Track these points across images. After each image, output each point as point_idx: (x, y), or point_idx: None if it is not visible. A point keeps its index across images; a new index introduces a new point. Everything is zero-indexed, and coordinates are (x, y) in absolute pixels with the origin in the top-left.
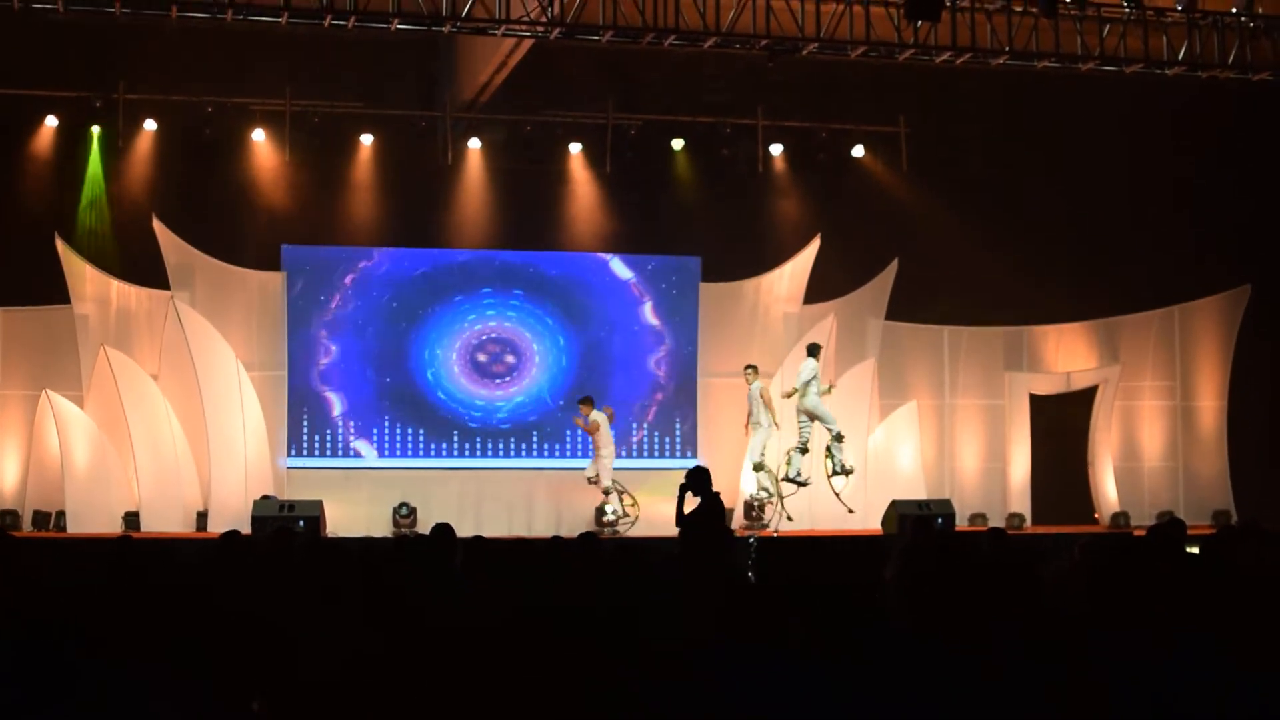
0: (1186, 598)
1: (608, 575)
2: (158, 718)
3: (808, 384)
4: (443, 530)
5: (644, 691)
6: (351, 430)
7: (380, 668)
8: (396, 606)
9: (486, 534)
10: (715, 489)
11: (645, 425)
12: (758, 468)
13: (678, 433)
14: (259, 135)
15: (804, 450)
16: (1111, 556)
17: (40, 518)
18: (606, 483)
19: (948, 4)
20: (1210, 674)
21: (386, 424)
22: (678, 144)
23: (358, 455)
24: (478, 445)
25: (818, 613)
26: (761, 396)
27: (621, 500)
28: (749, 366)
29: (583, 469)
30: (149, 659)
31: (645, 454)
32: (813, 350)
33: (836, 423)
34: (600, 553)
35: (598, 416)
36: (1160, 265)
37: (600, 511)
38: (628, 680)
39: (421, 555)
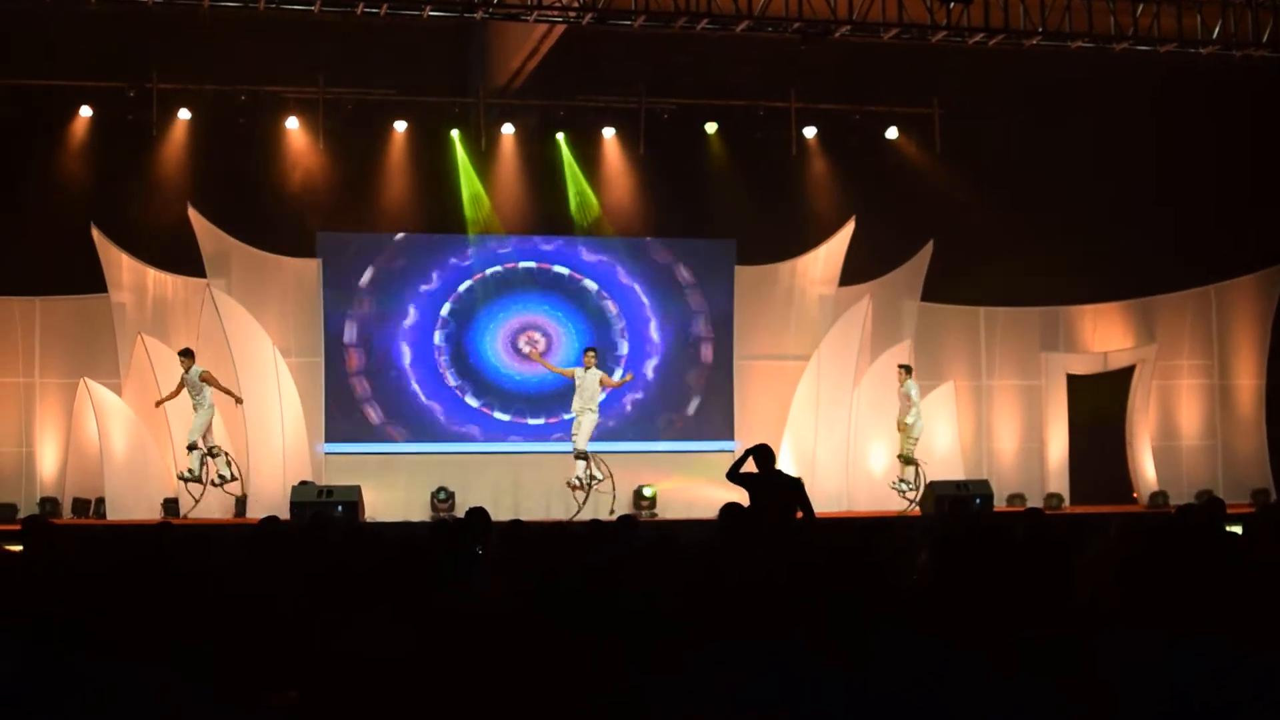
0: (1217, 587)
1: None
2: (167, 717)
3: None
4: (477, 514)
5: (642, 689)
6: (386, 415)
7: (398, 655)
8: (417, 593)
9: (525, 518)
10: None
11: (681, 409)
12: (909, 460)
13: (714, 416)
14: (292, 123)
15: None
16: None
17: (80, 505)
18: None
19: None
20: (1228, 674)
21: (423, 408)
22: (711, 127)
23: (394, 441)
24: (516, 430)
25: (826, 614)
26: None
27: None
28: (903, 366)
29: (622, 450)
30: (158, 659)
31: (682, 438)
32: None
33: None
34: (636, 537)
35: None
36: (1196, 244)
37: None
38: (622, 676)
39: (452, 539)
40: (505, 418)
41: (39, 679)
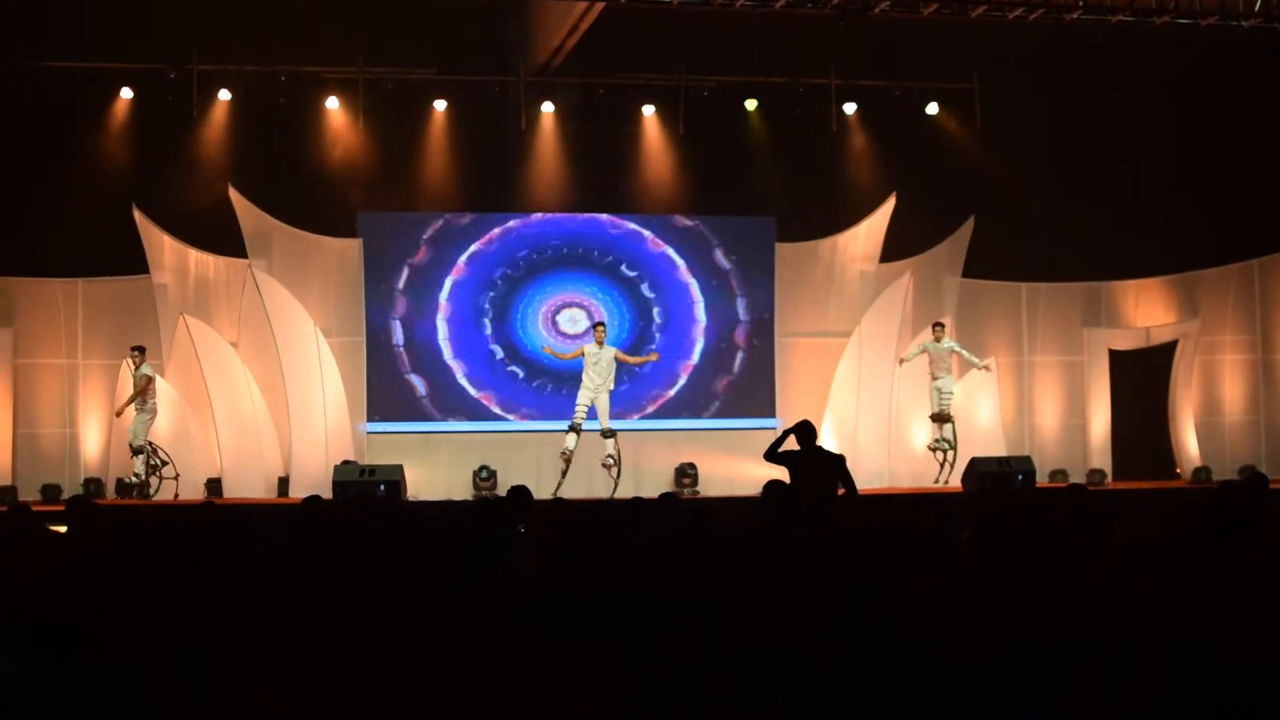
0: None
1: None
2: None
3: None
4: (519, 492)
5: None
6: (429, 393)
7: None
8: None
9: (566, 496)
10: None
11: (723, 387)
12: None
13: (756, 394)
14: (332, 103)
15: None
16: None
17: (123, 486)
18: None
19: None
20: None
21: (464, 387)
22: (751, 104)
23: (436, 420)
24: (559, 407)
25: (834, 613)
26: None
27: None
28: (939, 324)
29: (665, 428)
30: (157, 659)
31: (723, 415)
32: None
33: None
34: (677, 515)
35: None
36: (1239, 218)
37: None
38: (627, 674)
39: (494, 518)
40: (548, 395)
41: (39, 679)
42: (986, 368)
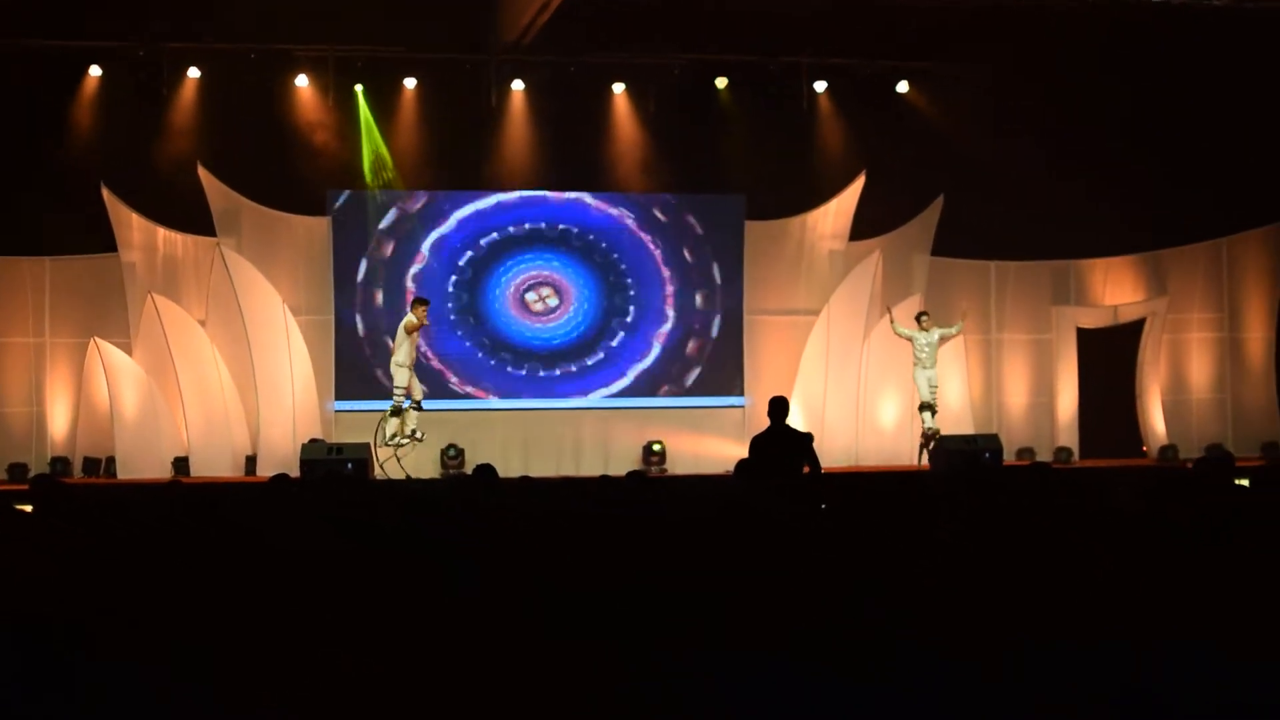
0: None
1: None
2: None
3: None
4: (484, 470)
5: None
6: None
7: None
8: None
9: (534, 474)
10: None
11: (691, 365)
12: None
13: (724, 372)
14: (302, 81)
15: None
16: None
17: (90, 464)
18: None
19: None
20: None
21: (432, 365)
22: (721, 83)
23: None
24: (525, 385)
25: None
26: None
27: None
28: (923, 314)
29: (632, 406)
30: (158, 659)
31: (691, 393)
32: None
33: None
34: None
35: None
36: (1207, 198)
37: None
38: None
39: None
40: (516, 373)
41: (39, 679)
42: (963, 315)
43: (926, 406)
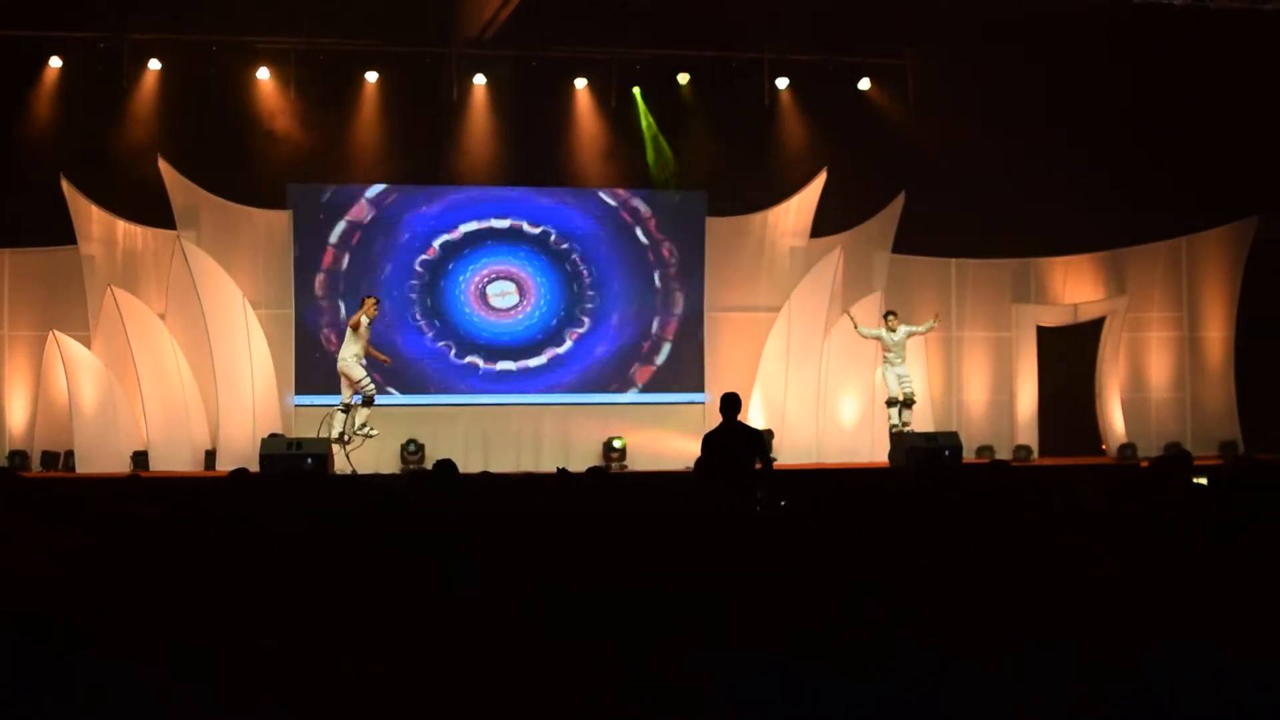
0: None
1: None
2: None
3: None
4: (444, 466)
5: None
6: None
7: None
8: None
9: (494, 470)
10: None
11: (651, 361)
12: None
13: (685, 368)
14: (264, 74)
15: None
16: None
17: (49, 458)
18: None
19: None
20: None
21: (394, 359)
22: (683, 78)
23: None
24: (485, 380)
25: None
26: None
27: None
28: (891, 313)
29: (592, 402)
30: (158, 659)
31: (652, 390)
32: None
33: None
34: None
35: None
36: (1168, 197)
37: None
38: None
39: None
40: (477, 368)
41: (39, 679)
42: (935, 316)
43: (894, 402)
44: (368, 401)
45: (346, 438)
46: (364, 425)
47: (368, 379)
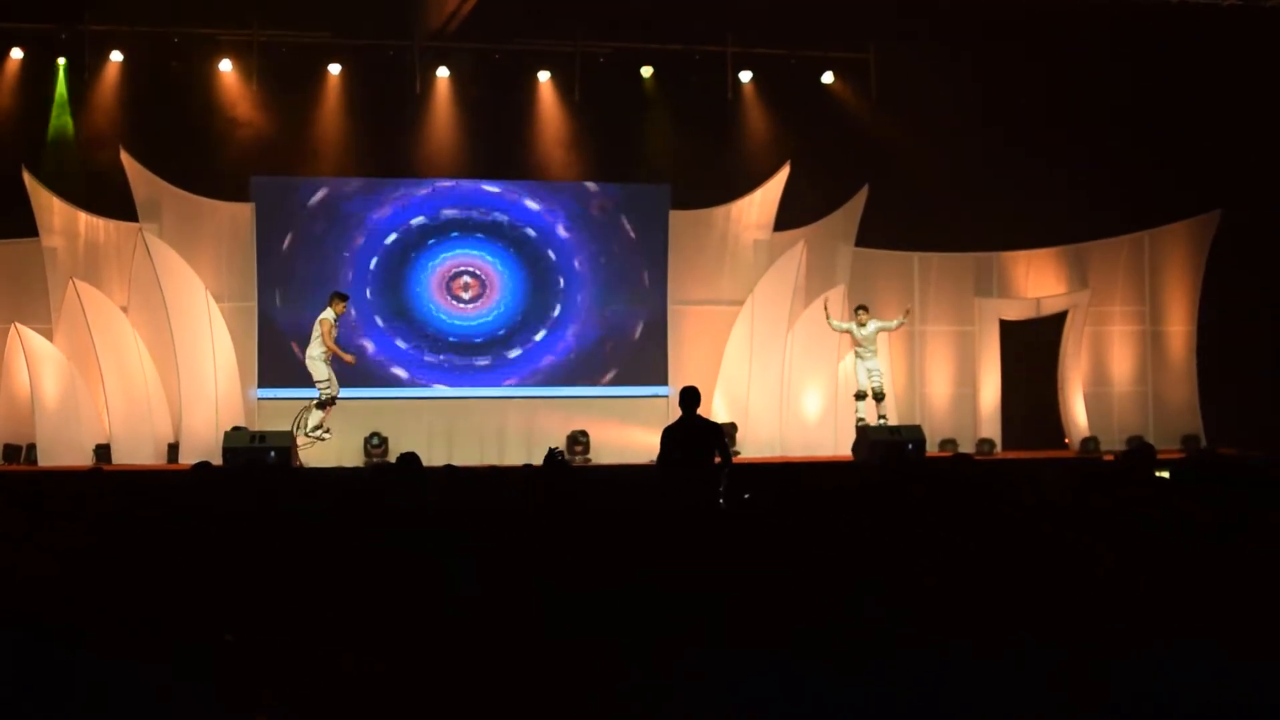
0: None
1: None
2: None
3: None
4: (409, 459)
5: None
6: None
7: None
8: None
9: (458, 463)
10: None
11: (615, 354)
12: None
13: (648, 361)
14: (226, 66)
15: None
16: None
17: (11, 451)
18: None
19: None
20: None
21: (356, 352)
22: (646, 71)
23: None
24: (449, 373)
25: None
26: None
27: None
28: (861, 307)
29: (556, 395)
30: (158, 659)
31: (616, 383)
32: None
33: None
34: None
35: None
36: (1130, 191)
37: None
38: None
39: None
40: (440, 361)
41: (39, 679)
42: (906, 312)
43: (862, 395)
44: (324, 403)
45: (318, 435)
46: (317, 428)
47: (330, 380)
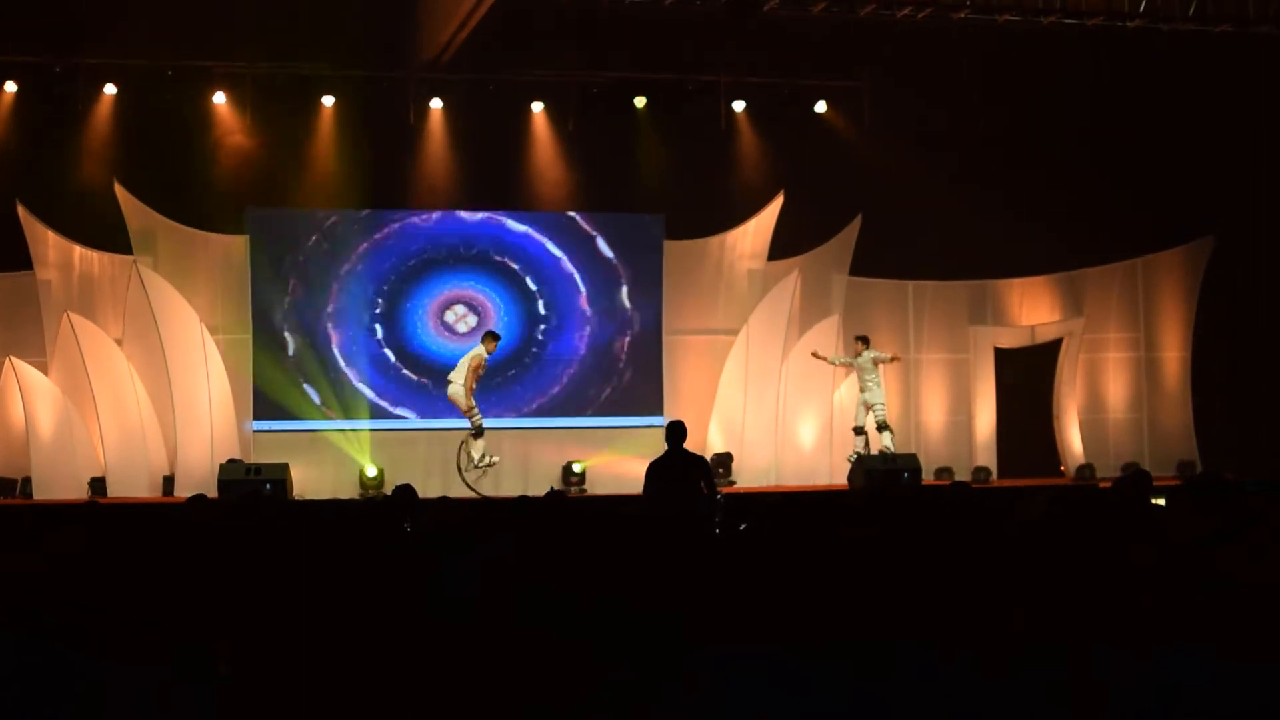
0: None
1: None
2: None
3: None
4: (403, 491)
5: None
6: (316, 392)
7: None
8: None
9: (454, 495)
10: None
11: (610, 384)
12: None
13: (643, 392)
14: (220, 98)
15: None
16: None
17: (6, 485)
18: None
19: None
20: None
21: (352, 385)
22: (640, 102)
23: (323, 419)
24: (445, 405)
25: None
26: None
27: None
28: (861, 337)
29: (551, 426)
30: (158, 659)
31: (611, 413)
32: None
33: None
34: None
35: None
36: (1123, 218)
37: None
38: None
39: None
40: (436, 393)
41: (39, 679)
42: (894, 357)
43: (861, 431)
44: (479, 432)
45: (487, 463)
46: (484, 456)
47: (475, 409)
